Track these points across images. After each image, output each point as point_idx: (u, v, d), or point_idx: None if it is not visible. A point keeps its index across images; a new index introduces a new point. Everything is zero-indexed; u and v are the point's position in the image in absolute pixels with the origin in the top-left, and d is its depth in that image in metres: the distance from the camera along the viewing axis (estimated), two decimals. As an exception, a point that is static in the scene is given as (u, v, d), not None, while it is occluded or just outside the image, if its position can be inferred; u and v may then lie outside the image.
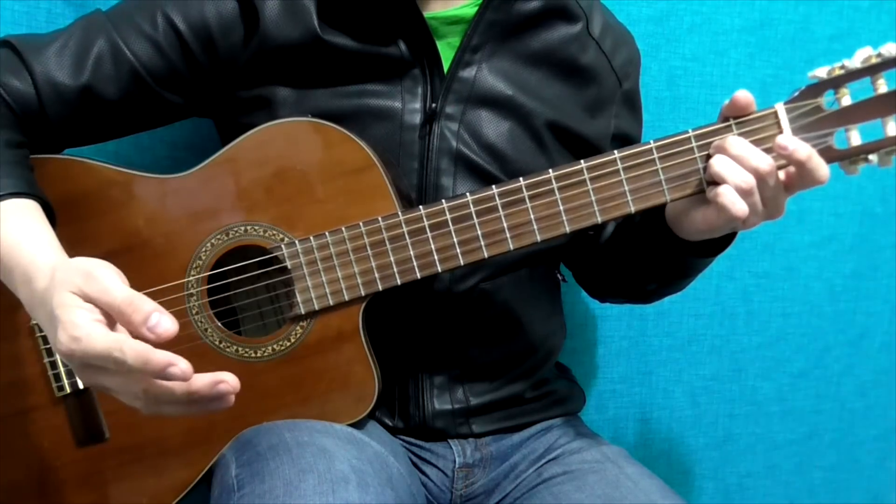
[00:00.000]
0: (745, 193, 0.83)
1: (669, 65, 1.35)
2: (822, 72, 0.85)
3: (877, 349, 1.55)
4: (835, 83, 0.85)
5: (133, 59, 0.92)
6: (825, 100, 0.85)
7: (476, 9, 0.96)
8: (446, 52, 0.97)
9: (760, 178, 0.83)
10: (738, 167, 0.84)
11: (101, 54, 0.91)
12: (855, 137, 0.85)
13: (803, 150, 0.83)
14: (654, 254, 0.99)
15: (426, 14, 0.94)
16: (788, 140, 0.83)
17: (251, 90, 0.95)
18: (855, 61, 0.84)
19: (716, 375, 1.46)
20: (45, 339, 0.90)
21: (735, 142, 0.84)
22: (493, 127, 0.98)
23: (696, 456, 1.48)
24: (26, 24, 1.11)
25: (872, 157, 0.85)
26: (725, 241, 0.94)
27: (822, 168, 0.84)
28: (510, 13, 0.97)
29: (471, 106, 0.97)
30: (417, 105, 0.96)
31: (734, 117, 0.86)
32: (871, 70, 0.83)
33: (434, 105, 0.95)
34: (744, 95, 0.85)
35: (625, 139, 1.07)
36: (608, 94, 1.04)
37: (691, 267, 1.00)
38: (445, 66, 0.96)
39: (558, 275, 1.12)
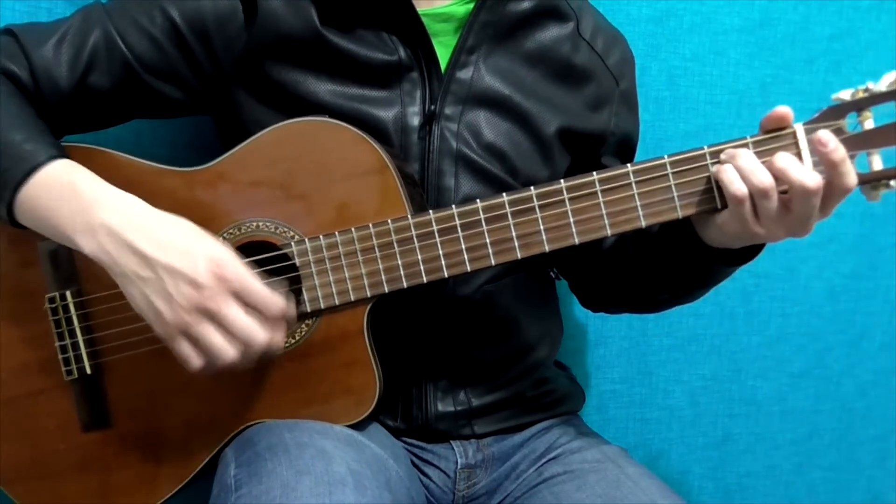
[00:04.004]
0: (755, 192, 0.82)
1: (669, 65, 1.35)
2: (845, 94, 0.83)
3: (877, 349, 1.55)
4: (858, 105, 0.82)
5: (126, 51, 0.93)
6: (847, 122, 0.83)
7: (465, 7, 0.97)
8: (441, 53, 0.97)
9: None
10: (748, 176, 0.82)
11: (96, 47, 0.93)
12: (877, 162, 0.83)
13: (841, 150, 0.81)
14: (674, 261, 0.97)
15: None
16: (830, 137, 0.81)
17: (250, 85, 0.95)
18: (881, 85, 0.82)
19: (715, 375, 1.46)
20: (57, 323, 0.91)
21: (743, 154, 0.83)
22: (493, 127, 0.98)
23: (696, 456, 1.47)
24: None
25: (894, 184, 0.83)
26: (753, 250, 0.92)
27: (852, 174, 0.82)
28: (503, 13, 0.98)
29: (469, 106, 0.97)
30: (416, 108, 0.96)
31: (770, 130, 0.84)
32: None
33: (433, 107, 0.95)
34: (785, 110, 0.83)
35: (623, 138, 1.07)
36: (607, 93, 1.04)
37: (713, 275, 0.98)
38: (443, 67, 0.96)
39: (551, 272, 1.13)
